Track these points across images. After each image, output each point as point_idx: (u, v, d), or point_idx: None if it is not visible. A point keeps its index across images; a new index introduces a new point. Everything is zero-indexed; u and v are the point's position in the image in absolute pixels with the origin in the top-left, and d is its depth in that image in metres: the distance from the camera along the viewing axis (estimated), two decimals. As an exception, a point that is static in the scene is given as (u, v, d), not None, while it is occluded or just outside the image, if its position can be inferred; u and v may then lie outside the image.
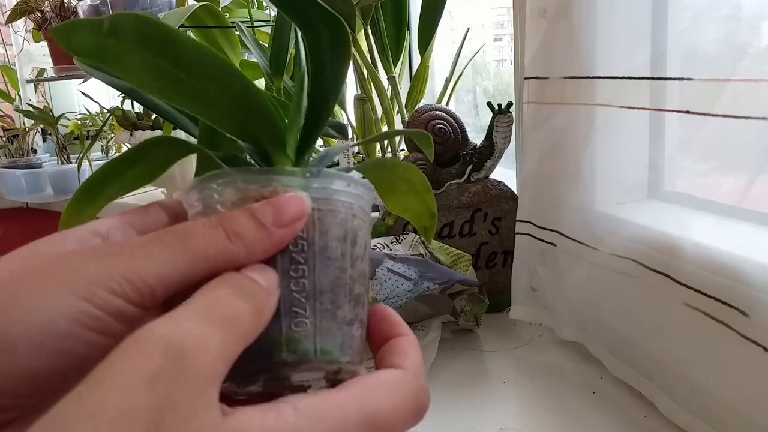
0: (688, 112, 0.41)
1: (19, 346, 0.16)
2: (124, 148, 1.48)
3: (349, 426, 0.18)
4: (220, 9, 0.77)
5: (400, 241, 0.56)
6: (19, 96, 1.52)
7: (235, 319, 0.18)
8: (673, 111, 0.43)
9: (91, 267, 0.18)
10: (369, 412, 0.18)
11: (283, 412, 0.17)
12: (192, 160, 0.25)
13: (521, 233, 0.55)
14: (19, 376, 0.17)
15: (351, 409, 0.18)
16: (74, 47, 0.20)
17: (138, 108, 1.18)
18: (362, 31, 0.70)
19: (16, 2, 1.39)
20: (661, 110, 0.45)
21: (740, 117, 0.36)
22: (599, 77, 0.46)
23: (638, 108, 0.45)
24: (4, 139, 1.45)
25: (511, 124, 0.58)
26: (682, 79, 0.41)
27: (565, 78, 0.49)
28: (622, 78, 0.45)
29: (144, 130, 1.12)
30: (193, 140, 0.28)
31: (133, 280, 0.18)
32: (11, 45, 1.57)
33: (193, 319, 0.17)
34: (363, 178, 0.22)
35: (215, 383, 0.16)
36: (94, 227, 0.22)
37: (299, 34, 0.24)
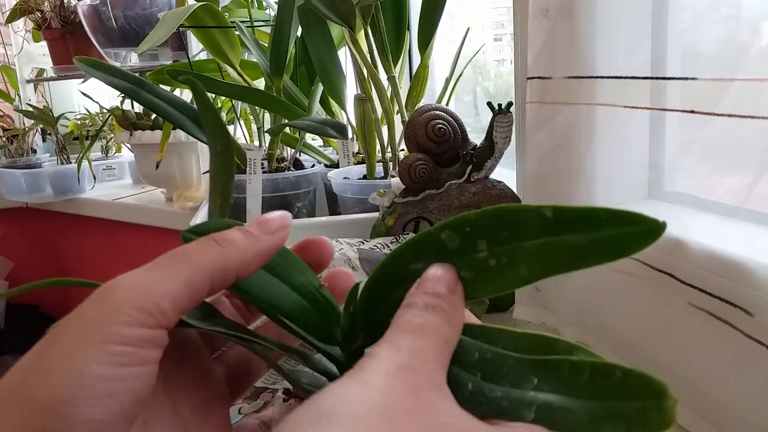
0: (692, 111, 0.40)
1: (70, 406, 0.18)
2: (124, 149, 1.48)
3: None
4: (219, 9, 0.77)
5: (400, 241, 0.56)
6: (19, 96, 1.52)
7: (427, 327, 0.20)
8: (677, 111, 0.43)
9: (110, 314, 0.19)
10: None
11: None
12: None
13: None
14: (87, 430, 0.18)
15: None
16: None
17: (138, 108, 1.17)
18: (362, 30, 0.70)
19: (15, 2, 1.39)
20: (665, 110, 0.45)
21: (745, 116, 0.36)
22: (601, 77, 0.46)
23: (641, 108, 0.45)
24: (3, 139, 1.44)
25: (511, 124, 0.58)
26: (686, 78, 0.41)
27: (568, 78, 0.48)
28: (624, 78, 0.45)
29: (144, 130, 1.11)
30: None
31: (148, 308, 0.20)
32: (11, 45, 1.57)
33: (398, 336, 0.20)
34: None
35: (442, 379, 0.20)
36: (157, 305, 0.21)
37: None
